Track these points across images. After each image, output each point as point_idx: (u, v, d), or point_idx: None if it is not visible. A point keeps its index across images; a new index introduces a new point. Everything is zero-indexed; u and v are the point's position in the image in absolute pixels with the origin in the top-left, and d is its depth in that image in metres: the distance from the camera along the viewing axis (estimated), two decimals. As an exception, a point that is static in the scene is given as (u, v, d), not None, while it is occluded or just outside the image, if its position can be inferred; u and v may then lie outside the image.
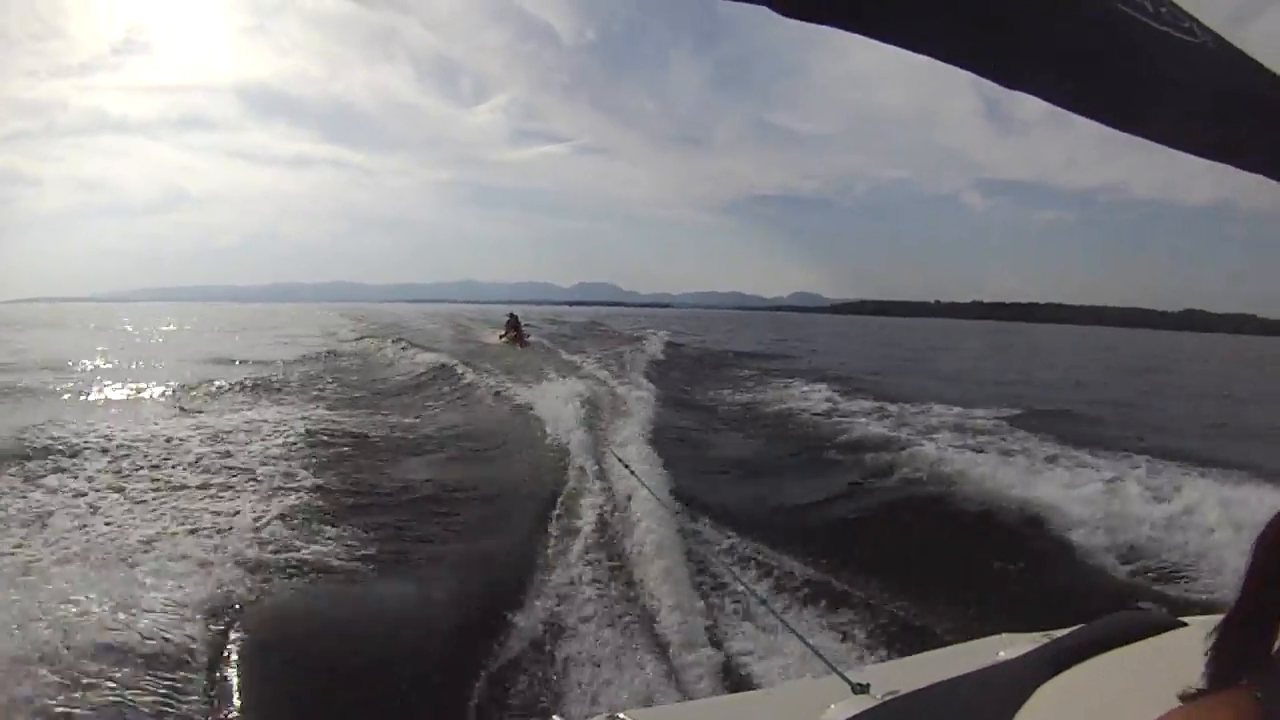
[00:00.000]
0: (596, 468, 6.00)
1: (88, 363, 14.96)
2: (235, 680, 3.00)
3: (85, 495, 5.12)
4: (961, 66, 0.52)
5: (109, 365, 14.80)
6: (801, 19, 0.47)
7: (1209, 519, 4.85)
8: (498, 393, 10.25)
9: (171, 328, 30.67)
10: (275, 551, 4.17)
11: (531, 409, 8.69)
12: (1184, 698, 0.51)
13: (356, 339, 22.65)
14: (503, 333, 21.20)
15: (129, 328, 32.03)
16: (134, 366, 14.66)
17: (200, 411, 8.75)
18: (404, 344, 18.35)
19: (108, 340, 23.02)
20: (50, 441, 6.45)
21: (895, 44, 0.50)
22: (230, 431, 7.27)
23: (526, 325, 22.29)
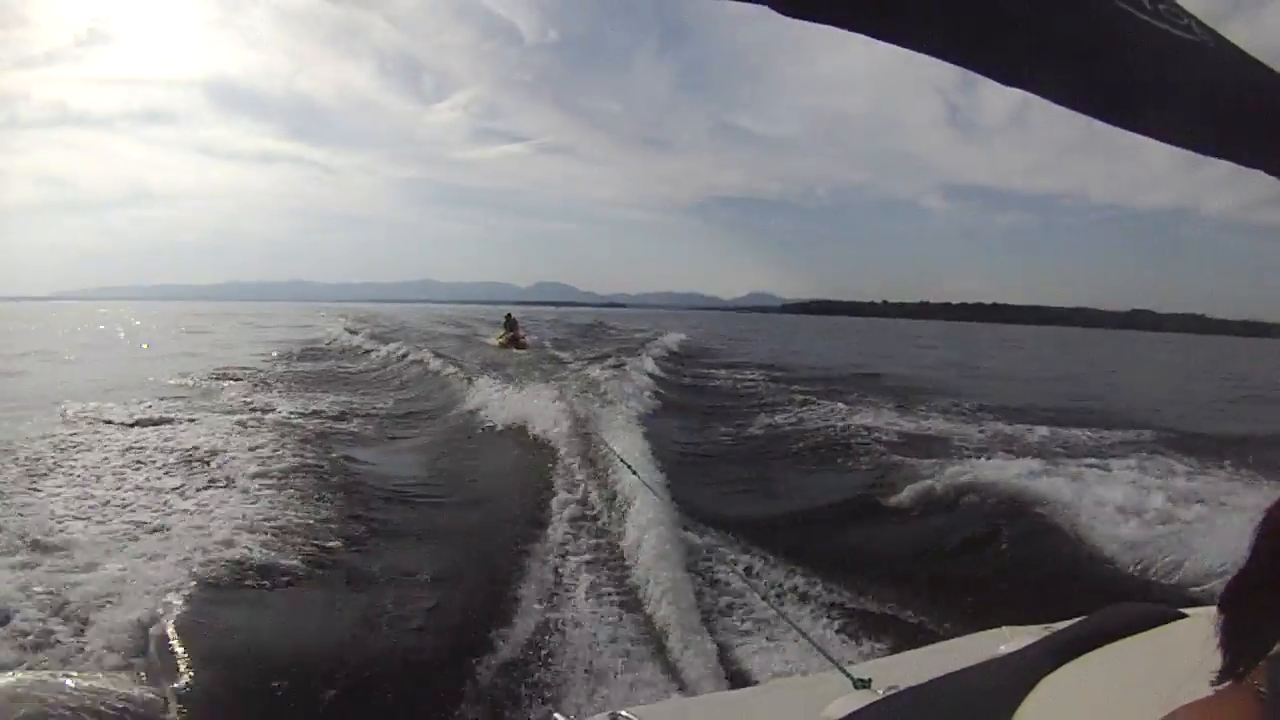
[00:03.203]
0: (592, 463, 6.01)
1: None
2: (227, 680, 3.00)
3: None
4: (958, 64, 0.52)
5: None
6: (800, 18, 0.47)
7: None
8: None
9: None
10: (265, 551, 4.16)
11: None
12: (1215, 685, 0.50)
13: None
14: (501, 335, 20.03)
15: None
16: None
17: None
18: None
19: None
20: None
21: (893, 42, 0.50)
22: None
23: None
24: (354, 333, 24.01)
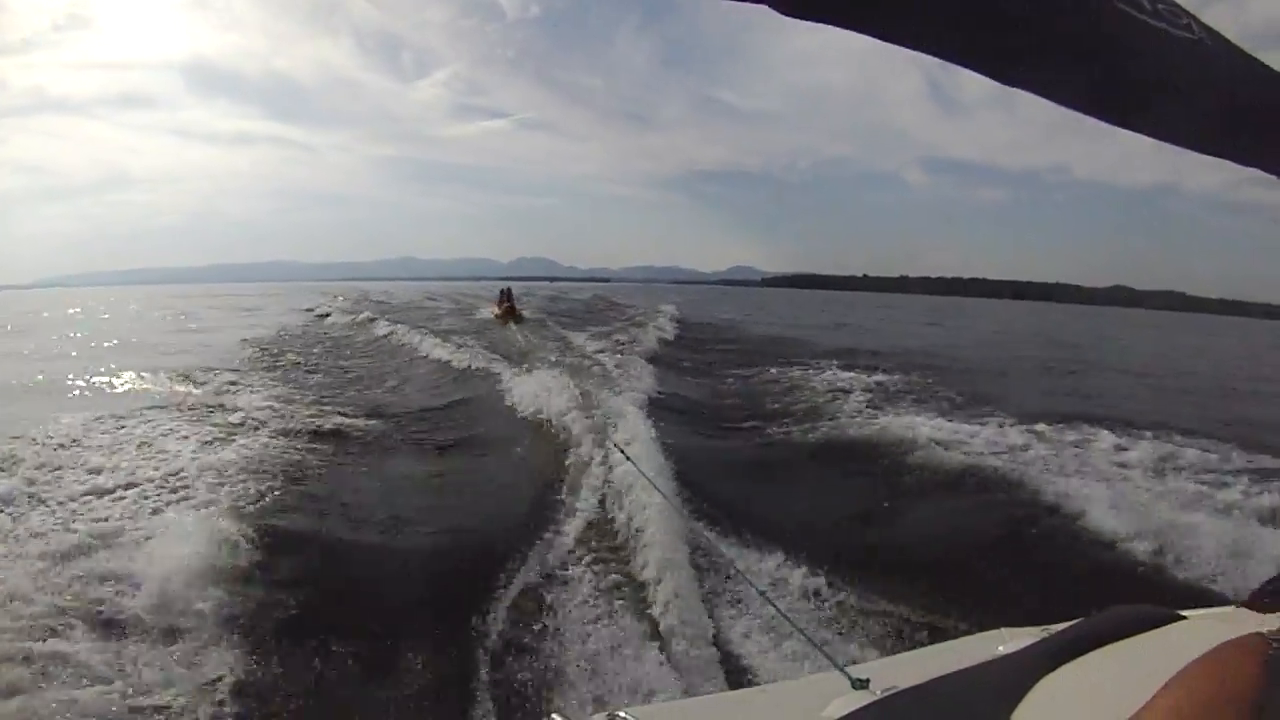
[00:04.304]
0: (595, 459, 6.01)
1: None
2: (227, 677, 3.00)
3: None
4: (958, 63, 0.52)
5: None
6: (801, 18, 0.47)
7: None
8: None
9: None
10: (263, 548, 4.17)
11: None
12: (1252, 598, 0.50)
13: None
14: (497, 307, 21.03)
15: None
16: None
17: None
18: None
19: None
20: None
21: (894, 42, 0.50)
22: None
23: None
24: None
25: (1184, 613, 1.21)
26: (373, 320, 20.68)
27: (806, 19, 0.47)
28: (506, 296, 21.19)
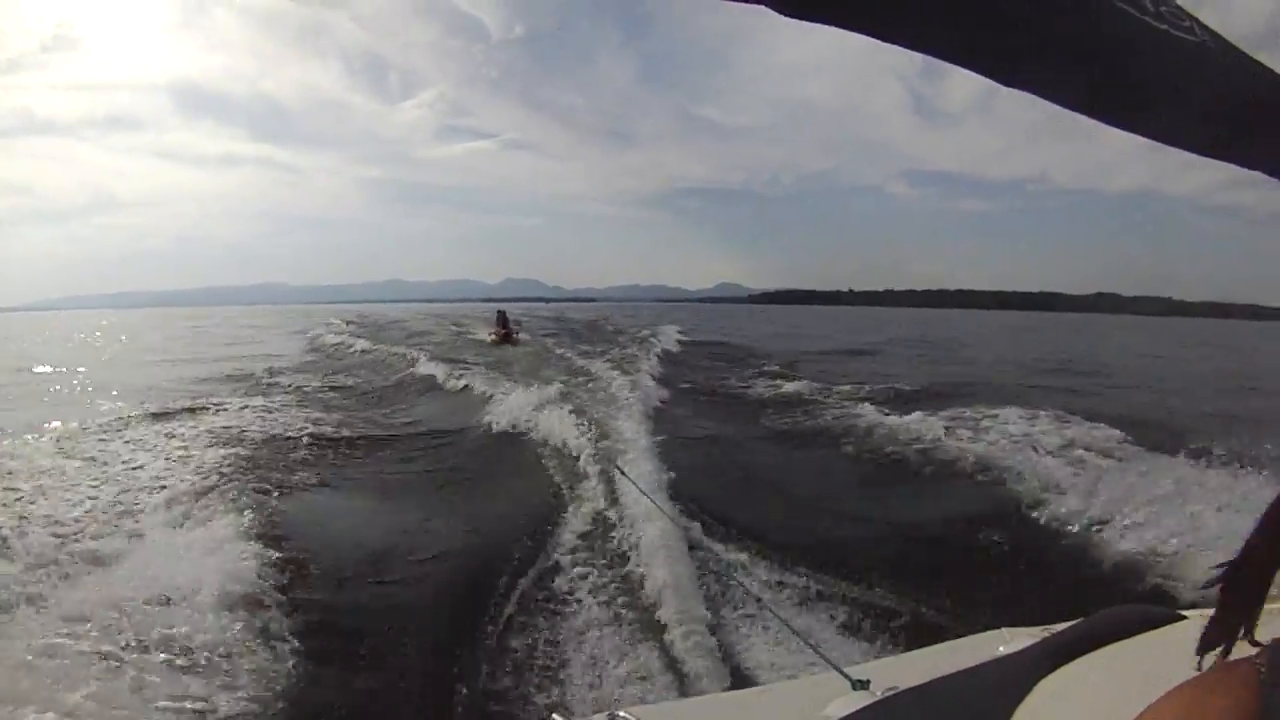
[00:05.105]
0: (594, 464, 6.01)
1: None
2: (226, 679, 2.99)
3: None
4: (958, 64, 0.52)
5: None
6: (800, 18, 0.46)
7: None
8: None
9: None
10: (272, 547, 4.18)
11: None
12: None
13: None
14: (493, 332, 20.91)
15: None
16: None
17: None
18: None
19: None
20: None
21: (893, 42, 0.49)
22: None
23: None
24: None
25: (1184, 613, 1.20)
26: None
27: (804, 19, 0.47)
28: (502, 321, 21.16)
